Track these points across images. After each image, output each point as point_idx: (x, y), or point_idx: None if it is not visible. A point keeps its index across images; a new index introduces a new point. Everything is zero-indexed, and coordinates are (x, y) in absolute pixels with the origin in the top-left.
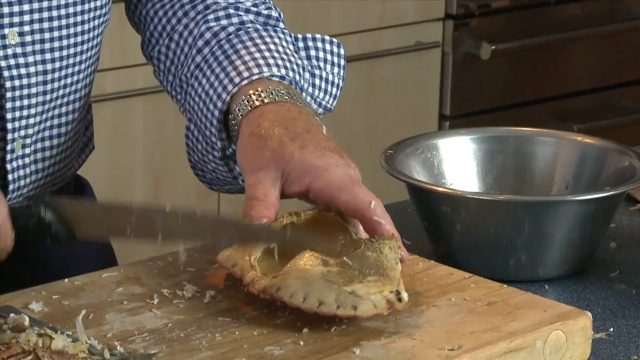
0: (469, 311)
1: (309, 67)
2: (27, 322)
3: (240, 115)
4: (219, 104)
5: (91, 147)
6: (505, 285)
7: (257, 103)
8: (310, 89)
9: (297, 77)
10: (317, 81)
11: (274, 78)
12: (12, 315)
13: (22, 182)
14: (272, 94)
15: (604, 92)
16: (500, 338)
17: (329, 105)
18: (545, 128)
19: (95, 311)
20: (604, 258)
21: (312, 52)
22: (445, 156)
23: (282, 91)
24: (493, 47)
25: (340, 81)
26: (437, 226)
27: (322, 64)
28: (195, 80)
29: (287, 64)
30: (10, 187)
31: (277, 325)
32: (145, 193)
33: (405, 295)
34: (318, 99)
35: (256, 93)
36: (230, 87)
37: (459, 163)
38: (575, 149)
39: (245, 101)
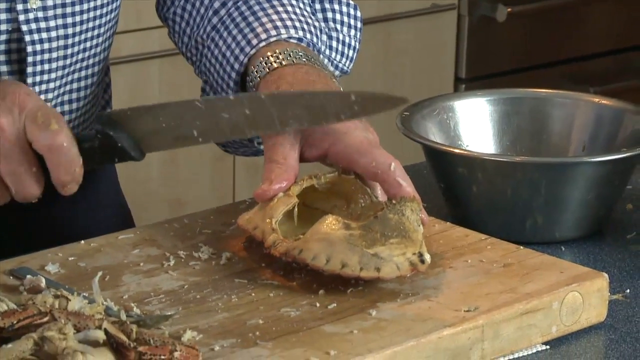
0: (485, 273)
1: (326, 30)
2: (43, 283)
3: (258, 77)
4: (236, 66)
5: (109, 110)
6: (521, 247)
7: (275, 65)
8: (327, 51)
9: (315, 40)
10: (334, 43)
11: (291, 40)
12: (28, 276)
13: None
14: (289, 56)
15: (621, 54)
16: (517, 299)
17: (345, 68)
18: (561, 90)
19: (112, 273)
20: (621, 219)
21: (329, 15)
22: (462, 118)
23: (300, 53)
24: (509, 9)
25: (357, 43)
26: (453, 188)
27: (338, 26)
28: (212, 41)
29: (305, 26)
30: None
31: (293, 287)
32: (159, 155)
33: (427, 257)
34: (335, 62)
35: (274, 55)
36: (247, 48)
37: (475, 125)
38: (592, 110)
39: (263, 63)
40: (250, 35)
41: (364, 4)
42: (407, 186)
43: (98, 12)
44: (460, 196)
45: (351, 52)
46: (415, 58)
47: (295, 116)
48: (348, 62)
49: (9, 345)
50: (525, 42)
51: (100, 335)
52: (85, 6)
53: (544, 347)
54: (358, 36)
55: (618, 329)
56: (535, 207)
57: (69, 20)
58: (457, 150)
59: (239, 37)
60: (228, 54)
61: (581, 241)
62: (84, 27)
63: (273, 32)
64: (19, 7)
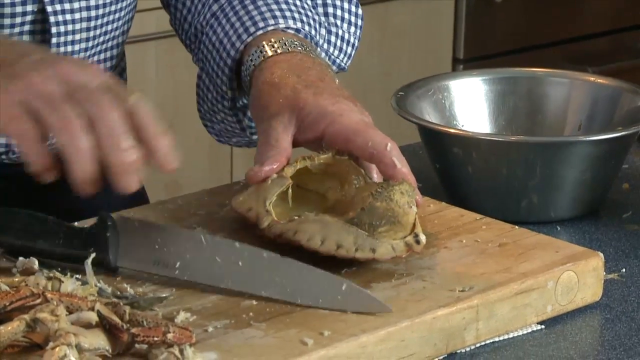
0: (480, 252)
1: (325, 24)
2: (36, 265)
3: (253, 65)
4: (232, 53)
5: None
6: (516, 227)
7: (270, 53)
8: (325, 45)
9: (313, 32)
10: (332, 38)
11: (289, 30)
12: (21, 258)
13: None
14: (285, 44)
15: (619, 35)
16: (512, 279)
17: (342, 64)
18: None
19: None
20: (617, 199)
21: (330, 10)
22: (457, 98)
23: (296, 42)
24: None
25: (356, 41)
26: (448, 168)
27: (339, 22)
28: (210, 28)
29: (304, 18)
30: None
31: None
32: None
33: (423, 238)
34: (332, 57)
35: (269, 43)
36: (244, 36)
37: (470, 104)
38: (588, 90)
39: (259, 51)
40: (248, 23)
41: None
42: (403, 166)
43: (112, 7)
44: (455, 176)
45: (349, 48)
46: (413, 39)
47: (275, 284)
48: (346, 58)
49: (1, 327)
50: (523, 22)
51: (93, 317)
52: (92, 2)
53: (539, 327)
54: (358, 34)
55: (613, 309)
56: (530, 187)
57: (92, 2)
58: (452, 130)
59: (237, 25)
60: (225, 40)
61: (577, 221)
62: (107, 10)
63: (271, 22)
64: None
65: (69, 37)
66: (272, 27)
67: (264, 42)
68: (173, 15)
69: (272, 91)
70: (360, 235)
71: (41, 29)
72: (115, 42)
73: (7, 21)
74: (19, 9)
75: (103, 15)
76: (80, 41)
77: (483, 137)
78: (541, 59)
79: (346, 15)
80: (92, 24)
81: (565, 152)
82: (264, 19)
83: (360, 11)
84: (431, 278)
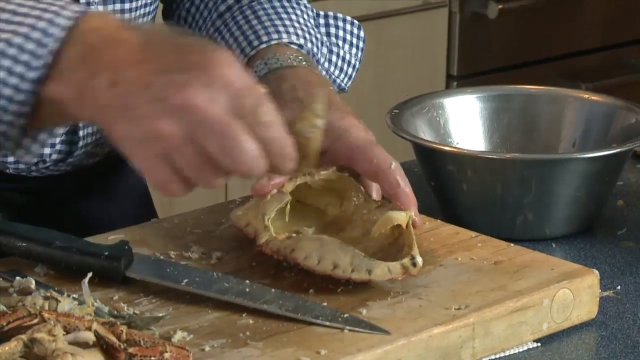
0: (475, 270)
1: (327, 43)
2: (33, 285)
3: (257, 77)
4: None
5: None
6: (512, 244)
7: (275, 66)
8: (326, 64)
9: (315, 50)
10: (334, 58)
11: (292, 45)
12: (17, 278)
13: (90, 139)
14: (289, 59)
15: (613, 50)
16: (507, 297)
17: (342, 85)
18: (553, 87)
19: None
20: (611, 216)
21: (332, 30)
22: (452, 115)
23: (300, 57)
24: (500, 6)
25: (357, 63)
26: (443, 185)
27: (340, 43)
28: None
29: (307, 35)
30: (80, 143)
31: (283, 285)
32: None
33: (419, 260)
34: (333, 76)
35: (274, 58)
36: (248, 49)
37: (465, 122)
38: (582, 107)
39: (263, 64)
40: (251, 37)
41: (355, 1)
42: (405, 186)
43: (143, 11)
44: (450, 194)
45: (350, 69)
46: (406, 55)
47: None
48: (346, 79)
49: None
50: (517, 38)
51: (90, 337)
52: (126, 5)
53: (535, 345)
54: (359, 55)
55: (609, 326)
56: (525, 204)
57: (118, 6)
58: (447, 148)
59: (240, 39)
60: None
61: (572, 238)
62: (133, 15)
63: (274, 35)
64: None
65: None
66: (275, 41)
67: (268, 55)
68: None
69: (279, 103)
70: (357, 256)
71: None
72: None
73: None
74: None
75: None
76: None
77: (478, 155)
78: (534, 75)
79: (348, 37)
80: None
81: (560, 170)
82: (268, 33)
83: (362, 34)
84: (427, 296)
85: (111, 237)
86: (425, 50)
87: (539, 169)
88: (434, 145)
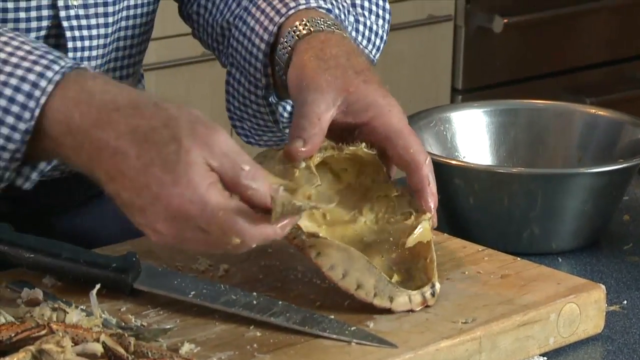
0: (482, 284)
1: (353, 13)
2: (41, 296)
3: (289, 46)
4: (265, 37)
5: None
6: (518, 258)
7: (304, 32)
8: (353, 34)
9: (342, 17)
10: (360, 27)
11: (320, 10)
12: (26, 289)
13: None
14: (318, 23)
15: (617, 65)
16: (514, 311)
17: (371, 56)
18: (558, 101)
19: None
20: (617, 231)
21: (358, 1)
22: (459, 129)
23: (329, 22)
24: (505, 20)
25: (385, 34)
26: (450, 199)
27: (366, 13)
28: (240, 20)
29: (333, 1)
30: None
31: (290, 298)
32: None
33: (438, 288)
34: (361, 46)
35: (302, 23)
36: (277, 18)
37: (472, 136)
38: (589, 122)
39: (292, 31)
40: (279, 6)
41: None
42: (434, 186)
43: (133, 12)
44: (457, 207)
45: (378, 40)
46: (411, 69)
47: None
48: (375, 50)
49: (7, 358)
50: (522, 53)
51: (98, 348)
52: (124, 3)
53: (541, 359)
54: (386, 27)
55: (615, 340)
56: (532, 218)
57: (110, 19)
58: (454, 162)
59: (268, 9)
60: (257, 27)
61: (578, 252)
62: (122, 24)
63: (302, 0)
64: (60, 3)
65: (85, 53)
66: (303, 6)
67: (296, 23)
68: (196, 22)
69: (321, 65)
70: (382, 280)
71: (55, 44)
72: (131, 60)
73: None
74: (34, 24)
75: (119, 30)
76: (96, 57)
77: (484, 169)
78: (539, 89)
79: (374, 8)
80: (108, 40)
81: (566, 184)
82: (295, 0)
83: (387, 5)
84: (434, 309)
85: (118, 249)
86: (430, 64)
87: (545, 184)
88: (441, 159)
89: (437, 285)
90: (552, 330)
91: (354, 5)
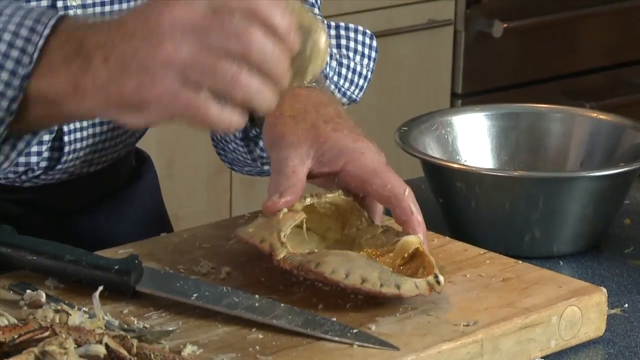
0: (484, 287)
1: (337, 56)
2: (43, 298)
3: None
4: None
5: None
6: (520, 262)
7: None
8: (335, 78)
9: None
10: (343, 70)
11: None
12: (28, 291)
13: (78, 145)
14: None
15: (616, 70)
16: (516, 314)
17: (354, 96)
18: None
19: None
20: (619, 234)
21: (343, 42)
22: (460, 133)
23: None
24: (505, 25)
25: (369, 73)
26: (451, 203)
27: (351, 54)
28: None
29: None
30: (66, 149)
31: (292, 301)
32: (158, 173)
33: (442, 279)
34: (343, 89)
35: None
36: None
37: (473, 139)
38: (590, 125)
39: None
40: None
41: (360, 19)
42: (418, 214)
43: None
44: (458, 211)
45: (362, 80)
46: (411, 73)
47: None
48: (357, 90)
49: None
50: (521, 57)
51: (101, 350)
52: (124, 5)
53: None
54: (371, 66)
55: (616, 344)
56: (533, 222)
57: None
58: (455, 165)
59: None
60: None
61: (579, 256)
62: None
63: None
64: (59, 3)
65: None
66: None
67: None
68: None
69: (291, 122)
70: (385, 271)
71: None
72: None
73: None
74: None
75: None
76: None
77: (486, 172)
78: (539, 94)
79: (359, 48)
80: None
81: (567, 188)
82: None
83: (374, 43)
84: (435, 312)
85: (121, 252)
86: (430, 68)
87: (546, 187)
88: (443, 163)
89: (441, 277)
90: (553, 333)
91: (339, 46)
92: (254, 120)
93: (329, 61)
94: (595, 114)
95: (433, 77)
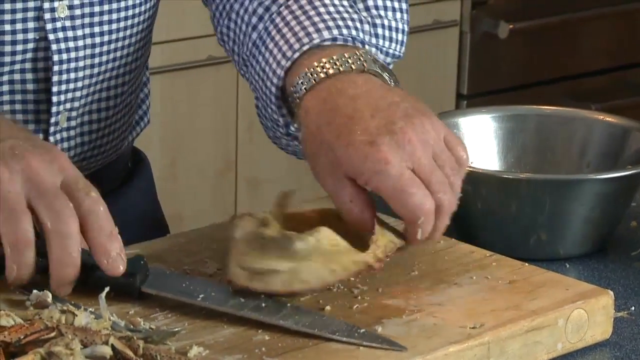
0: (490, 289)
1: (368, 18)
2: (49, 298)
3: (304, 88)
4: (275, 81)
5: (146, 122)
6: (526, 264)
7: (312, 82)
8: (373, 40)
9: (354, 32)
10: (379, 31)
11: (325, 43)
12: (34, 291)
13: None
14: (336, 64)
15: (621, 72)
16: (522, 316)
17: (397, 53)
18: (567, 107)
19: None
20: (625, 237)
21: (370, 2)
22: (466, 134)
23: (334, 58)
24: (511, 26)
25: (405, 25)
26: (458, 204)
27: (382, 12)
28: (253, 58)
29: (340, 22)
30: (51, 139)
31: (299, 303)
32: (161, 172)
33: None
34: (384, 49)
35: (320, 65)
36: (283, 61)
37: (479, 141)
38: (597, 128)
39: (309, 74)
40: (284, 48)
41: None
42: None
43: (129, 22)
44: (465, 213)
45: (400, 35)
46: (417, 74)
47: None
48: (399, 46)
49: None
50: (527, 58)
51: (107, 351)
52: (114, 16)
53: None
54: (405, 17)
55: (623, 347)
56: (539, 224)
57: (97, 29)
58: None
59: (275, 51)
60: (267, 69)
61: (586, 258)
62: (113, 37)
63: (305, 40)
64: (47, 15)
65: (72, 65)
66: (307, 46)
67: (314, 63)
68: (226, 45)
69: (314, 147)
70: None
71: (43, 57)
72: (127, 68)
73: (7, 48)
74: (19, 36)
75: (109, 42)
76: (84, 68)
77: (492, 174)
78: (544, 95)
79: (389, 3)
80: (97, 50)
81: (574, 190)
82: (299, 40)
83: None
84: (442, 315)
85: (126, 252)
86: (435, 69)
87: (553, 189)
88: None
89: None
90: (560, 336)
91: (367, 8)
92: (292, 113)
93: (360, 27)
94: (602, 117)
95: (438, 78)
